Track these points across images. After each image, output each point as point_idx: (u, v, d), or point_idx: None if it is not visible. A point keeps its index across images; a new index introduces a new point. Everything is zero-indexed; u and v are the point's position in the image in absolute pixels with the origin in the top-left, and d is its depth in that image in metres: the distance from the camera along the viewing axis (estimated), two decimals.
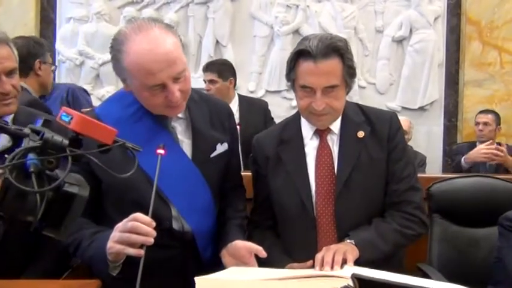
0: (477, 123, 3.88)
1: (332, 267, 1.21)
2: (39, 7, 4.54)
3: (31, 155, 0.80)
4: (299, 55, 1.38)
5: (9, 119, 1.37)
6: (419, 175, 1.54)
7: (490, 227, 1.81)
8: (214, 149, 1.38)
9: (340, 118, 1.46)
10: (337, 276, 1.14)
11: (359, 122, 1.46)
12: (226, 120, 1.44)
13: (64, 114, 0.87)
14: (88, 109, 2.39)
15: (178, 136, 1.34)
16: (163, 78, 1.20)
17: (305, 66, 1.36)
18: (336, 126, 1.46)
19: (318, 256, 1.25)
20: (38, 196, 0.79)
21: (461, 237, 1.90)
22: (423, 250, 1.92)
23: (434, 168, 4.22)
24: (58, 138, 0.83)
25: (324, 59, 1.34)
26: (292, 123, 1.52)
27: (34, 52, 2.37)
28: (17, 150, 0.80)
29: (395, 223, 1.41)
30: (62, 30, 4.56)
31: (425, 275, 1.76)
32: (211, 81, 3.21)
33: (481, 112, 3.93)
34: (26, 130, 0.84)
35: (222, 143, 1.39)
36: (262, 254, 1.25)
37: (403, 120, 3.50)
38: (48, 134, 0.83)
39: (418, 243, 1.65)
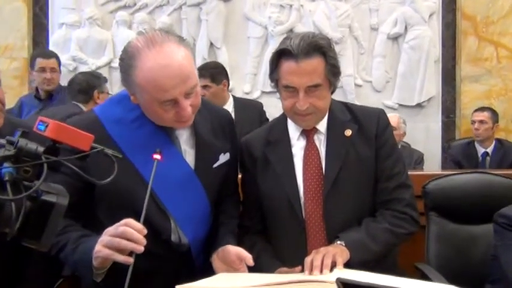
0: (473, 122, 3.78)
1: (321, 271, 1.18)
2: (32, 13, 4.54)
3: (6, 164, 0.79)
4: (281, 55, 1.35)
5: None
6: (415, 172, 1.51)
7: (488, 224, 1.76)
8: (217, 159, 1.35)
9: (326, 117, 1.43)
10: (325, 281, 1.10)
11: (346, 120, 1.43)
12: (227, 128, 1.42)
13: (40, 123, 0.87)
14: None
15: (182, 145, 1.31)
16: (175, 94, 1.18)
17: (287, 66, 1.34)
18: (322, 125, 1.43)
19: (307, 260, 1.23)
20: (13, 205, 0.77)
21: (459, 235, 1.87)
22: (420, 249, 1.88)
23: (433, 165, 4.19)
24: (32, 145, 0.81)
25: (305, 58, 1.32)
26: (279, 125, 1.49)
27: (93, 84, 2.95)
28: None
29: (385, 222, 1.38)
30: (55, 36, 4.56)
31: (424, 275, 1.73)
32: (204, 87, 3.15)
33: (477, 110, 3.84)
34: (2, 141, 0.83)
35: (224, 153, 1.37)
36: (250, 262, 1.22)
37: (392, 116, 3.46)
38: (22, 142, 0.81)
39: (415, 243, 1.62)
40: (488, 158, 3.75)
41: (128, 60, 1.20)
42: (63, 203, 0.82)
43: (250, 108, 3.24)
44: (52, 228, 0.81)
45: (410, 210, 1.41)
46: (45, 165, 0.80)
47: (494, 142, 3.78)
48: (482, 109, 3.83)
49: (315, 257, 1.21)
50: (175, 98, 1.18)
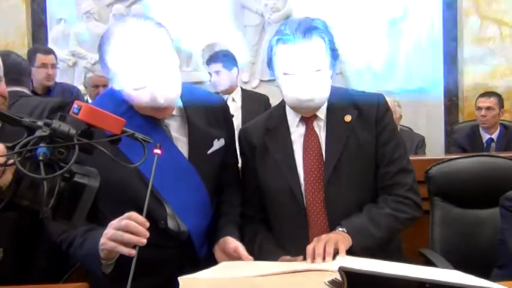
0: (479, 108, 3.61)
1: (324, 259, 1.17)
2: (30, 10, 4.53)
3: (41, 144, 0.81)
4: (278, 41, 1.33)
5: None
6: (417, 157, 1.48)
7: (493, 208, 1.74)
8: (211, 146, 1.35)
9: (326, 103, 1.41)
10: (329, 270, 1.08)
11: (345, 106, 1.41)
12: (221, 115, 1.41)
13: (75, 106, 0.89)
14: None
15: (173, 134, 1.32)
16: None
17: (285, 52, 1.32)
18: (322, 111, 1.41)
19: (309, 248, 1.21)
20: (45, 184, 0.80)
21: (464, 220, 1.84)
22: (425, 235, 1.86)
23: (436, 149, 4.14)
24: (65, 127, 0.84)
25: (304, 42, 1.30)
26: (277, 112, 1.48)
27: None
28: (27, 138, 0.81)
29: (388, 207, 1.35)
30: (53, 31, 4.59)
31: (428, 261, 1.71)
32: (216, 72, 3.31)
33: (482, 95, 3.66)
34: (40, 122, 0.85)
35: (218, 139, 1.37)
36: (247, 259, 1.24)
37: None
38: (56, 123, 0.84)
39: (419, 228, 1.60)
40: (493, 145, 3.63)
41: (101, 47, 1.27)
42: (95, 185, 0.84)
43: (256, 101, 3.35)
44: (83, 209, 0.84)
45: (413, 194, 1.39)
46: (77, 147, 0.82)
47: (499, 127, 3.65)
48: (488, 95, 3.65)
49: (316, 245, 1.20)
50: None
